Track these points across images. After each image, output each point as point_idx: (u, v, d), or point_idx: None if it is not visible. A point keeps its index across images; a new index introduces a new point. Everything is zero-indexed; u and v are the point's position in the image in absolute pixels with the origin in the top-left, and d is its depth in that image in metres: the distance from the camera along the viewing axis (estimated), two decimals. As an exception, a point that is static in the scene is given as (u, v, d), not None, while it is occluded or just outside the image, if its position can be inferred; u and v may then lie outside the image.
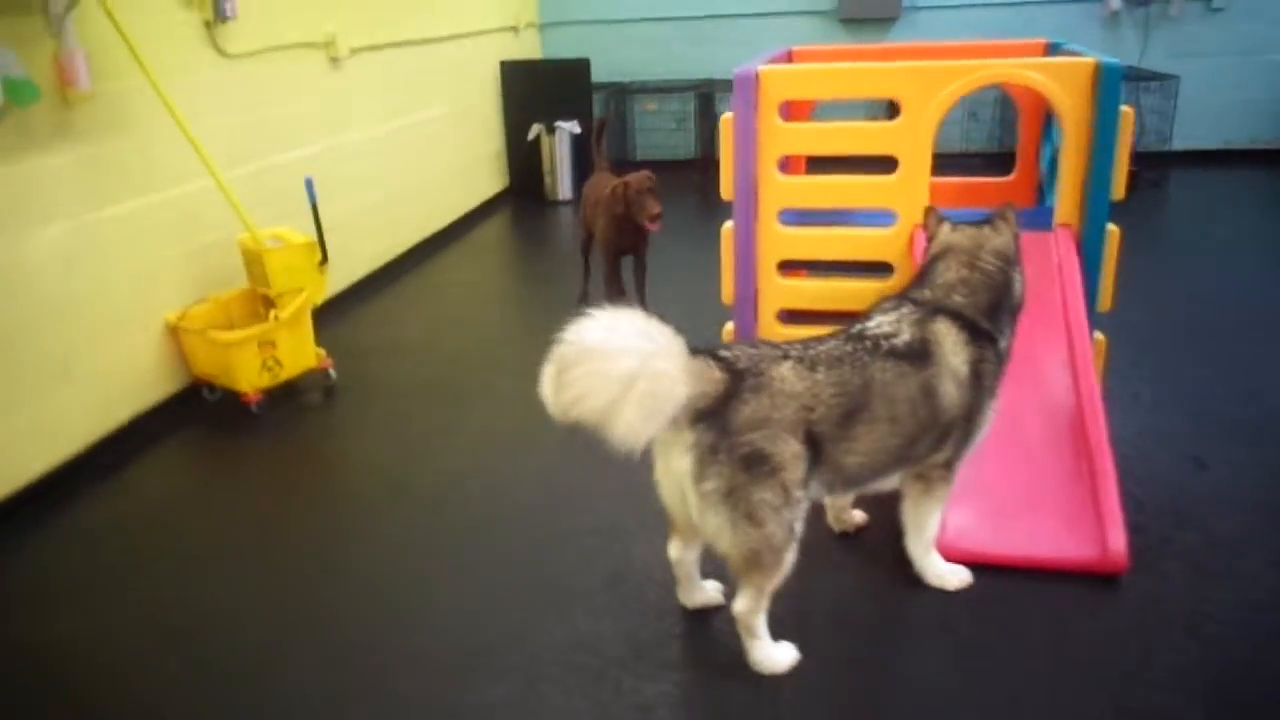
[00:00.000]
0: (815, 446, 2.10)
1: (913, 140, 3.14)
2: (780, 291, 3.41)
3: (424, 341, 4.47)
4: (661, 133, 7.66)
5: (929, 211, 2.52)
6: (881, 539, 2.68)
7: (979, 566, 2.51)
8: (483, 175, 6.89)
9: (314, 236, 3.77)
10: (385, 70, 5.34)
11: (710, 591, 2.44)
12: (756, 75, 3.16)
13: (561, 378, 1.97)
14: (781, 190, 3.29)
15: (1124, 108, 2.99)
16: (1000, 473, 2.67)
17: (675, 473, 2.11)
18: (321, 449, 3.48)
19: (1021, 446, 2.75)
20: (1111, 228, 3.12)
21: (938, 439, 2.28)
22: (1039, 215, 3.52)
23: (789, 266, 3.44)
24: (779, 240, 3.34)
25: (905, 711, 2.11)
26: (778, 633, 2.23)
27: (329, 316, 3.99)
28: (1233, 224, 5.58)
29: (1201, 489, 2.87)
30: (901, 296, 2.38)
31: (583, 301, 4.73)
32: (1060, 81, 3.01)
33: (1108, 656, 2.22)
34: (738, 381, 2.05)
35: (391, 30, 5.39)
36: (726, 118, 3.25)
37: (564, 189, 6.95)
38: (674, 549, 2.36)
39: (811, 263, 3.54)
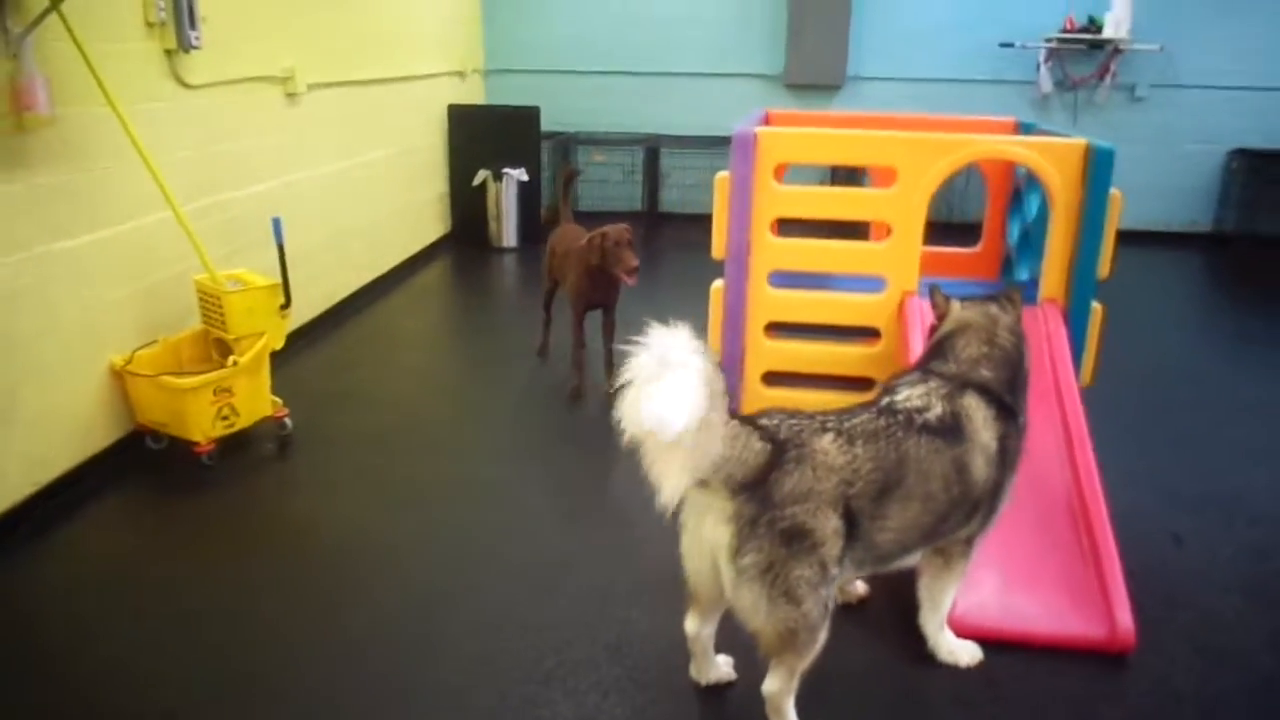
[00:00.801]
0: (851, 522, 2.04)
1: (907, 208, 3.17)
2: (767, 353, 3.38)
3: (378, 390, 4.28)
4: (608, 184, 7.63)
5: (935, 290, 2.51)
6: (884, 610, 2.64)
7: (985, 642, 2.49)
8: (427, 219, 6.73)
9: (274, 278, 3.59)
10: (339, 108, 5.18)
11: (723, 668, 2.34)
12: (755, 136, 3.14)
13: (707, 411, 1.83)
14: (774, 252, 3.27)
15: (1113, 190, 3.08)
16: (1003, 549, 2.65)
17: (708, 544, 2.02)
18: (281, 505, 3.26)
19: (1021, 523, 2.74)
20: (1096, 305, 3.20)
21: (966, 515, 2.25)
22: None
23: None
24: (769, 302, 3.32)
25: (938, 799, 2.05)
26: (797, 710, 2.14)
27: (278, 361, 3.77)
28: (1162, 304, 5.83)
29: (1185, 567, 2.91)
30: (925, 370, 2.35)
31: (542, 354, 4.63)
32: (1053, 161, 3.08)
33: (1131, 740, 2.21)
34: (779, 453, 1.99)
35: (347, 68, 5.24)
36: (721, 176, 3.23)
37: (509, 236, 6.84)
38: (691, 623, 2.26)
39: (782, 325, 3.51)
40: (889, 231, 3.29)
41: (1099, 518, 2.68)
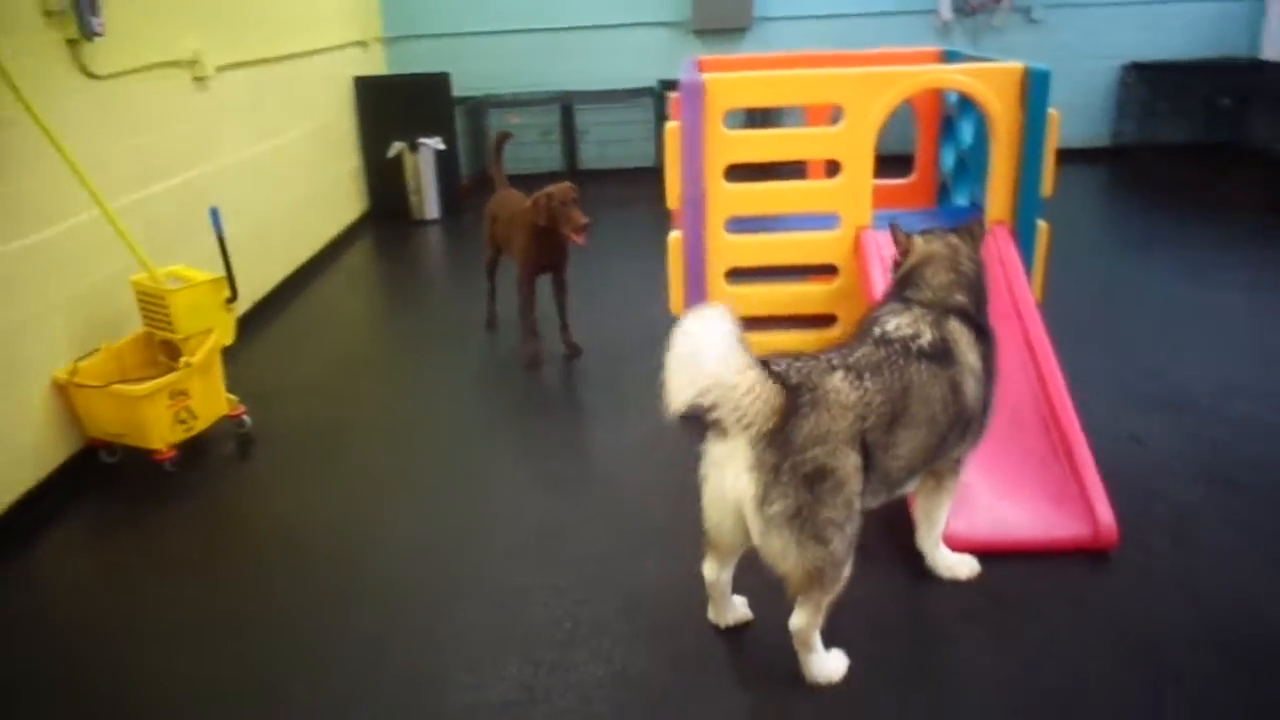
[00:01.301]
0: (867, 456, 2.08)
1: (856, 145, 3.21)
2: (729, 299, 3.39)
3: (327, 380, 4.18)
4: (523, 146, 7.52)
5: (895, 227, 2.54)
6: (878, 538, 2.70)
7: (979, 555, 2.58)
8: (345, 198, 6.55)
9: (210, 272, 3.46)
10: (247, 90, 4.97)
11: (741, 609, 2.39)
12: (703, 84, 3.14)
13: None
14: (729, 198, 3.28)
15: (1051, 110, 3.17)
16: (986, 466, 2.76)
17: (731, 496, 2.04)
18: (257, 506, 3.16)
19: (998, 438, 2.84)
20: (1041, 224, 3.30)
21: (961, 434, 2.32)
22: (965, 214, 3.68)
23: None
24: (726, 248, 3.34)
25: (963, 704, 2.13)
26: None
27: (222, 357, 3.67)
28: (1081, 217, 6.06)
29: (1148, 464, 3.06)
30: (904, 299, 2.40)
31: (491, 326, 4.57)
32: (993, 86, 3.16)
33: (1128, 627, 2.33)
34: (794, 397, 2.01)
35: (251, 46, 5.02)
36: (672, 127, 3.22)
37: (431, 208, 6.70)
38: (710, 569, 2.30)
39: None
40: (828, 169, 3.34)
41: (1070, 425, 2.80)
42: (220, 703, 2.25)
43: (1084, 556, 2.59)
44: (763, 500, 1.98)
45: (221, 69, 4.59)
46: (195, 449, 3.42)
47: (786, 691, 2.18)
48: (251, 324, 4.69)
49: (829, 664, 2.19)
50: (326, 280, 5.60)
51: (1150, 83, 7.31)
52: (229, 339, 3.50)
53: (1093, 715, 2.08)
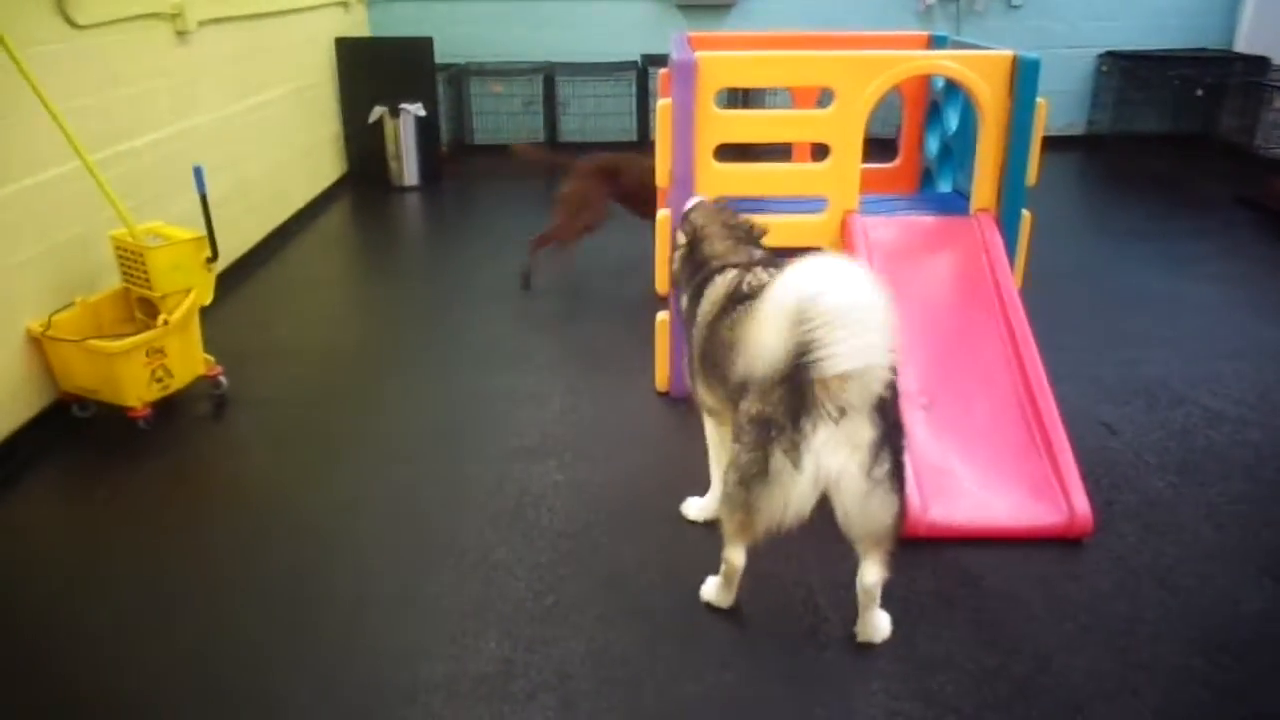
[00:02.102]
0: None
1: (845, 128, 3.21)
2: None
3: (303, 344, 4.13)
4: (503, 115, 7.45)
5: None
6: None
7: (959, 540, 2.63)
8: (324, 160, 6.46)
9: (189, 229, 3.40)
10: (230, 46, 4.88)
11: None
12: (695, 62, 3.12)
13: None
14: (717, 178, 3.27)
15: (1039, 99, 3.19)
16: (964, 452, 2.80)
17: (824, 476, 1.99)
18: (231, 467, 3.14)
19: (976, 424, 2.89)
20: (1025, 213, 3.33)
21: None
22: (950, 201, 3.71)
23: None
24: (714, 228, 3.32)
25: (940, 688, 2.16)
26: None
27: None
28: (1057, 205, 6.09)
29: (1120, 453, 3.12)
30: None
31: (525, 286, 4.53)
32: (981, 73, 3.17)
33: (1102, 615, 2.38)
34: None
35: (234, 2, 4.92)
36: (664, 104, 3.20)
37: (410, 175, 6.62)
38: (741, 556, 2.28)
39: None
40: (813, 152, 3.32)
41: (1049, 413, 2.84)
42: (195, 668, 2.24)
43: (1060, 544, 2.64)
44: (872, 466, 1.98)
45: (203, 23, 4.49)
46: (170, 408, 3.38)
47: (768, 671, 2.21)
48: (228, 284, 4.62)
49: (888, 620, 2.29)
50: (304, 242, 5.53)
51: (1125, 72, 7.37)
52: (208, 299, 3.45)
53: (1063, 702, 2.12)
